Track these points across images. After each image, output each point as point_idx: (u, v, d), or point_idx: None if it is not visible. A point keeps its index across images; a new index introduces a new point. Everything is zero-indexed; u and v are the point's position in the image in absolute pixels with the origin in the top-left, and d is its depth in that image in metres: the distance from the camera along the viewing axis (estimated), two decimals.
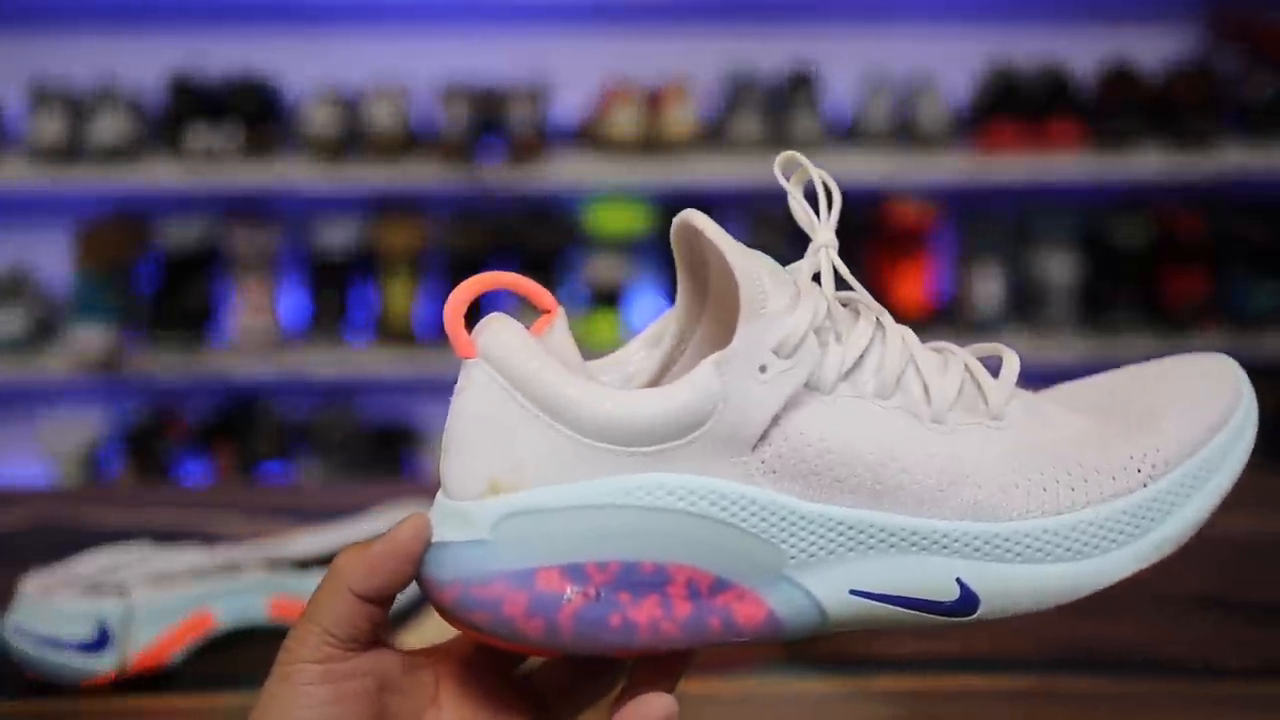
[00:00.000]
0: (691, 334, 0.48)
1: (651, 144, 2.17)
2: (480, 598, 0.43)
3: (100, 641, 0.72)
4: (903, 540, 0.44)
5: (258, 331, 2.18)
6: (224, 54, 2.25)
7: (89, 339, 2.13)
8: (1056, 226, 2.26)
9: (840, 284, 0.47)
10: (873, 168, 2.18)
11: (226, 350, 2.20)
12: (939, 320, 2.22)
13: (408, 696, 0.45)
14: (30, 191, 2.20)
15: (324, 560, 0.79)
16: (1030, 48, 2.29)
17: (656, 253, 2.23)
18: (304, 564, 0.80)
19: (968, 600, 0.45)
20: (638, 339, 0.49)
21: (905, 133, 2.21)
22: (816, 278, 0.46)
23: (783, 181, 0.48)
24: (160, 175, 2.15)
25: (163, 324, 2.19)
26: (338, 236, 2.23)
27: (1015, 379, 0.48)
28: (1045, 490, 0.45)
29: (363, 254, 2.23)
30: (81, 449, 2.24)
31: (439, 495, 0.44)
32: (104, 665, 0.72)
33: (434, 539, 0.43)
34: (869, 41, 2.33)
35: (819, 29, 2.35)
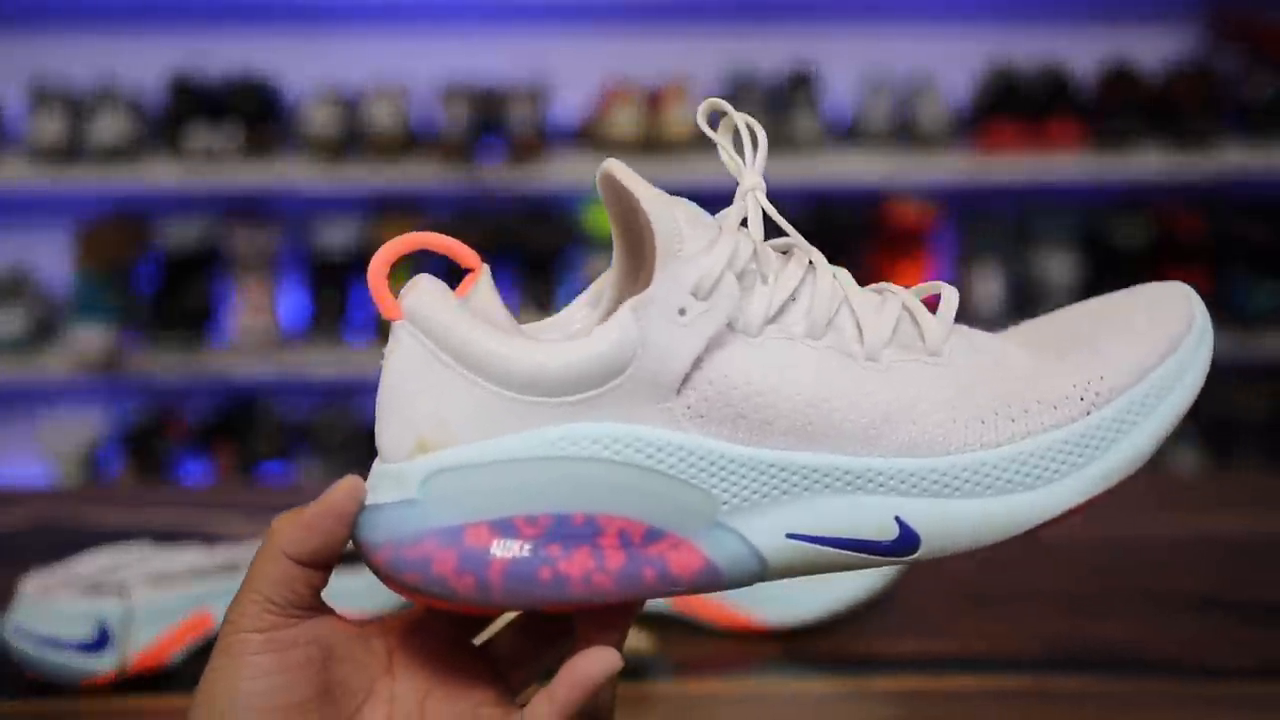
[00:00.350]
0: (631, 290, 0.47)
1: (651, 144, 2.17)
2: (410, 558, 0.42)
3: (100, 641, 0.72)
4: (838, 480, 0.44)
5: (258, 331, 2.18)
6: (224, 54, 2.25)
7: (89, 339, 2.13)
8: (1056, 226, 2.26)
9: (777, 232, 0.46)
10: (873, 168, 2.18)
11: (226, 350, 2.20)
12: None
13: (359, 665, 0.45)
14: (30, 191, 2.20)
15: None
16: (1030, 48, 2.29)
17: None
18: None
19: (908, 539, 0.44)
20: (579, 299, 0.48)
21: (905, 133, 2.21)
22: (746, 224, 0.46)
23: (708, 131, 0.47)
24: (160, 175, 2.15)
25: (163, 324, 2.19)
26: (338, 236, 2.23)
27: (953, 315, 0.47)
28: (984, 423, 0.44)
29: (363, 254, 2.23)
30: (81, 449, 2.24)
31: (376, 460, 0.44)
32: (104, 665, 0.72)
33: (368, 502, 0.43)
34: (869, 41, 2.33)
35: (819, 29, 2.35)
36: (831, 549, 0.44)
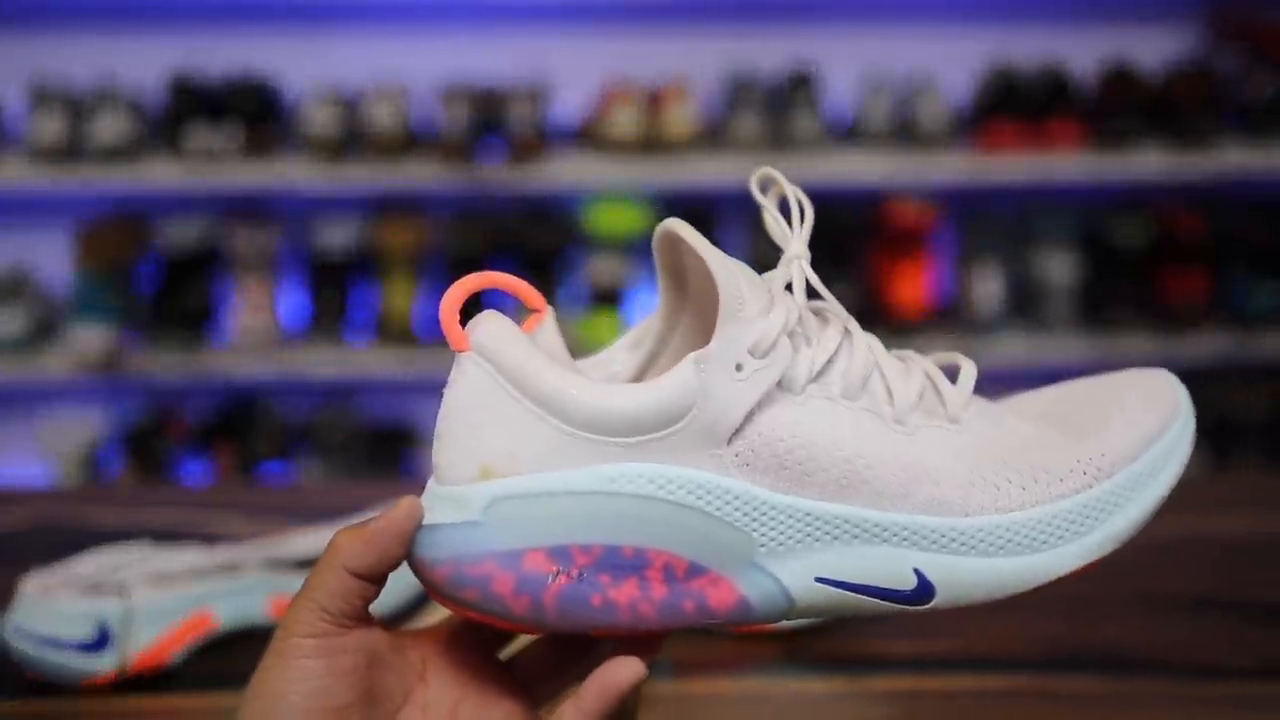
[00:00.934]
0: (671, 337, 0.52)
1: (651, 144, 2.17)
2: (471, 576, 0.46)
3: (100, 641, 0.72)
4: (865, 532, 0.47)
5: (258, 331, 2.18)
6: (224, 54, 2.25)
7: (89, 339, 2.13)
8: (1056, 226, 2.26)
9: (812, 294, 0.50)
10: (873, 168, 2.18)
11: (226, 350, 2.20)
12: (939, 320, 2.22)
13: (397, 673, 0.48)
14: (30, 191, 2.20)
15: None
16: (1030, 48, 2.29)
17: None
18: (304, 564, 0.80)
19: (924, 589, 0.48)
20: (620, 341, 0.52)
21: (905, 133, 2.21)
22: (789, 286, 0.49)
23: (758, 196, 0.51)
24: (160, 175, 2.15)
25: (163, 324, 2.19)
26: (338, 236, 2.23)
27: (972, 386, 0.51)
28: (999, 489, 0.48)
29: (363, 254, 2.23)
30: (81, 449, 2.24)
31: (430, 481, 0.47)
32: (104, 665, 0.72)
33: (427, 521, 0.46)
34: (869, 41, 2.33)
35: (819, 29, 2.35)
36: (854, 594, 0.48)
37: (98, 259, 2.18)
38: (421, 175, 2.16)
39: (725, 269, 0.47)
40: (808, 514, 0.47)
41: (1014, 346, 2.20)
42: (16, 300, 2.20)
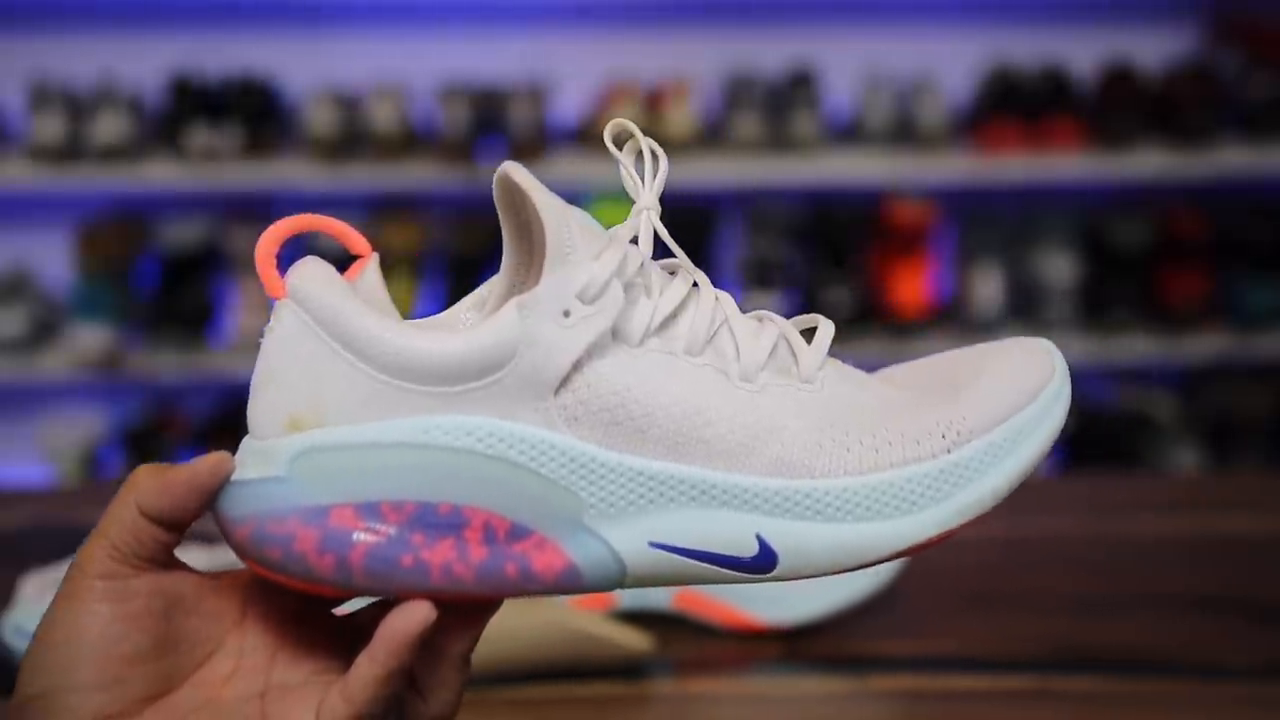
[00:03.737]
0: (519, 293, 0.48)
1: None
2: (273, 533, 0.43)
3: None
4: (704, 494, 0.45)
5: (258, 332, 2.17)
6: (224, 54, 2.25)
7: (89, 339, 2.13)
8: (1056, 226, 2.26)
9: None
10: (873, 168, 2.18)
11: (226, 350, 2.20)
12: (939, 320, 2.22)
13: (209, 617, 0.45)
14: (30, 191, 2.20)
15: None
16: (1030, 48, 2.29)
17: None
18: None
19: (766, 556, 0.45)
20: (466, 300, 0.49)
21: (905, 133, 2.21)
22: (638, 241, 0.47)
23: (613, 151, 0.49)
24: (160, 175, 2.15)
25: (163, 324, 2.19)
26: None
27: (827, 345, 0.48)
28: (849, 450, 0.45)
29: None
30: (81, 449, 2.24)
31: (246, 437, 0.45)
32: None
33: (235, 477, 0.44)
34: (869, 41, 2.33)
35: (819, 29, 2.35)
36: (692, 560, 0.45)
37: (98, 259, 2.18)
38: (421, 175, 2.16)
39: (554, 211, 0.44)
40: (640, 473, 0.44)
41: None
42: (16, 300, 2.20)
